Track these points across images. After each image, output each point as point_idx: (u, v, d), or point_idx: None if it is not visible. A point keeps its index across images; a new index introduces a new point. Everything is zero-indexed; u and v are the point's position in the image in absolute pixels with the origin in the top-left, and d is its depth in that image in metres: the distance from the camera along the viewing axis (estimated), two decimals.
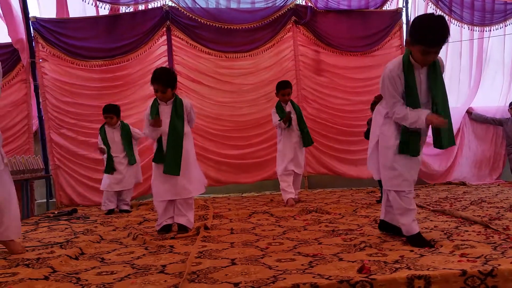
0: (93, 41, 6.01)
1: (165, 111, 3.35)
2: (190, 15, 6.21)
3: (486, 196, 4.85)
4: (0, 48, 5.85)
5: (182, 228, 3.40)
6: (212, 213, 4.24)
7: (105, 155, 4.93)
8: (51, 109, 5.91)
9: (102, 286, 2.02)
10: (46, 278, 2.21)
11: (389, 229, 2.90)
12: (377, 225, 3.05)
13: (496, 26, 6.99)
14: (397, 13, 6.75)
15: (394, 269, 2.05)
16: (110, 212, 4.87)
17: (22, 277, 2.21)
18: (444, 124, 2.52)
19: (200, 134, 6.17)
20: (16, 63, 5.89)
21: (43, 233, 3.70)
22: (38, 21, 5.89)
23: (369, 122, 4.88)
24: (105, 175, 4.92)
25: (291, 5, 6.46)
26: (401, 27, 6.74)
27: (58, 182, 5.92)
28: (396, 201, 2.66)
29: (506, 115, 6.83)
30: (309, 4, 6.55)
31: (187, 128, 3.44)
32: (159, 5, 6.18)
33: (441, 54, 2.59)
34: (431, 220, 3.39)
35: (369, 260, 2.24)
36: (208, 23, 6.25)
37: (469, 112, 6.96)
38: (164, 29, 6.20)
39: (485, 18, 6.95)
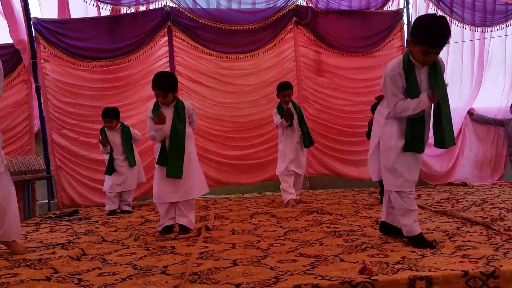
0: (94, 42, 6.01)
1: (167, 114, 3.35)
2: (191, 16, 6.22)
3: (487, 197, 4.85)
4: (2, 48, 5.86)
5: (184, 229, 3.41)
6: (214, 214, 4.24)
7: (106, 156, 4.95)
8: (52, 110, 5.92)
9: (103, 287, 2.03)
10: (48, 278, 2.21)
11: (390, 231, 2.89)
12: (378, 225, 3.05)
13: (498, 26, 6.99)
14: (398, 13, 6.75)
15: (396, 270, 2.05)
16: (112, 213, 4.88)
17: (24, 278, 2.21)
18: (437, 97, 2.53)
19: (201, 135, 6.17)
20: (17, 63, 5.90)
21: (45, 234, 3.70)
22: (40, 21, 5.89)
23: (370, 123, 4.89)
24: (107, 176, 4.94)
25: (292, 6, 6.47)
26: (402, 27, 6.74)
27: (60, 183, 5.93)
28: (397, 202, 2.66)
29: (508, 115, 6.82)
30: (310, 5, 6.55)
31: (188, 130, 3.45)
32: (160, 6, 6.19)
33: (442, 55, 2.60)
34: (433, 221, 3.39)
35: (371, 261, 2.24)
36: (209, 24, 6.26)
37: (470, 113, 6.96)
38: (165, 30, 6.21)
39: (486, 19, 6.95)
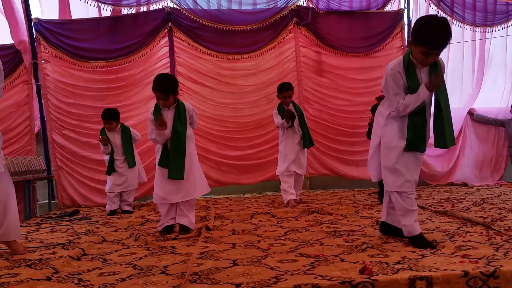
0: (95, 43, 6.02)
1: (168, 117, 3.35)
2: (192, 17, 6.22)
3: (488, 197, 4.85)
4: (3, 49, 5.87)
5: (184, 229, 3.41)
6: (214, 214, 4.24)
7: (106, 157, 4.96)
8: (53, 110, 5.92)
9: (104, 286, 2.03)
10: (48, 278, 2.21)
11: (390, 232, 2.90)
12: (379, 226, 3.05)
13: (498, 27, 6.98)
14: (398, 14, 6.75)
15: (396, 270, 2.05)
16: (112, 213, 4.89)
17: (24, 278, 2.21)
18: (440, 77, 2.52)
19: (202, 135, 6.18)
20: (18, 64, 5.91)
21: (45, 234, 3.71)
22: (40, 22, 5.90)
23: (370, 123, 4.89)
24: (108, 177, 4.95)
25: (292, 6, 6.47)
26: (402, 28, 6.74)
27: (60, 183, 5.93)
28: (398, 202, 2.66)
29: (508, 116, 6.82)
30: (311, 5, 6.55)
31: (189, 131, 3.45)
32: (161, 7, 6.20)
33: (443, 55, 2.60)
34: (433, 221, 3.39)
35: (371, 261, 2.24)
36: (209, 25, 6.26)
37: (471, 113, 6.96)
38: (166, 30, 6.22)
39: (487, 19, 6.95)
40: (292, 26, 6.52)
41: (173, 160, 3.31)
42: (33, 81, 5.96)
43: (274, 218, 4.04)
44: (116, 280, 2.14)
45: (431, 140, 2.71)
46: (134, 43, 6.08)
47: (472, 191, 5.70)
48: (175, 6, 6.22)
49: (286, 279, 1.97)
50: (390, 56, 6.54)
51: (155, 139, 3.37)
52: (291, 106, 4.87)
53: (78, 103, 5.95)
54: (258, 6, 6.47)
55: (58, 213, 5.17)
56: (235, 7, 6.45)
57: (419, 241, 2.58)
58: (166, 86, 3.31)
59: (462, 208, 4.02)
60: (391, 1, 6.73)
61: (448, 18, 6.80)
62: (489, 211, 3.78)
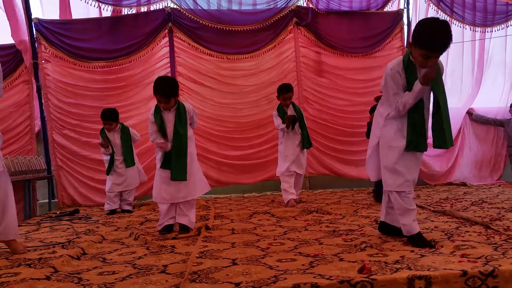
0: (95, 43, 6.03)
1: (169, 118, 3.37)
2: (192, 17, 6.23)
3: (487, 197, 4.85)
4: (3, 49, 5.88)
5: (184, 228, 3.42)
6: (213, 214, 4.25)
7: (106, 157, 4.96)
8: (53, 110, 5.93)
9: (103, 286, 2.03)
10: (48, 278, 2.22)
11: (389, 231, 2.90)
12: (378, 225, 3.05)
13: (498, 27, 6.99)
14: (398, 14, 6.76)
15: (395, 269, 2.05)
16: (112, 212, 4.89)
17: (24, 277, 2.22)
18: (433, 70, 2.52)
19: (202, 135, 6.19)
20: (18, 64, 5.92)
21: (45, 233, 3.71)
22: (41, 22, 5.91)
23: (369, 123, 4.90)
24: (108, 177, 4.96)
25: (292, 7, 6.48)
26: (402, 28, 6.75)
27: (60, 183, 5.94)
28: (397, 201, 2.67)
29: (507, 116, 6.83)
30: (310, 6, 6.56)
31: (190, 132, 3.46)
32: (161, 7, 6.21)
33: (443, 55, 2.60)
34: (432, 221, 3.40)
35: (370, 261, 2.24)
36: (209, 25, 6.27)
37: (469, 113, 6.96)
38: (166, 30, 6.22)
39: (487, 19, 6.95)
40: (292, 27, 6.53)
41: (175, 161, 3.32)
42: (34, 81, 5.97)
43: (273, 217, 4.05)
44: (115, 279, 2.15)
45: (430, 140, 2.72)
46: (135, 43, 6.09)
47: (471, 190, 5.70)
48: (175, 6, 6.23)
49: (285, 278, 1.97)
50: (390, 56, 6.55)
51: (155, 143, 3.40)
52: (290, 107, 4.87)
53: (78, 103, 5.96)
54: (258, 7, 6.48)
55: (58, 212, 5.18)
56: (235, 7, 6.46)
57: (418, 241, 2.58)
58: (167, 89, 3.32)
59: (461, 208, 4.03)
60: (391, 2, 6.74)
61: (448, 18, 6.81)
62: (488, 211, 3.78)
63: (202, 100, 6.30)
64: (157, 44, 6.20)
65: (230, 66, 6.40)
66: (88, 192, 5.93)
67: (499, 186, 6.30)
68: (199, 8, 6.28)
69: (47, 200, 6.00)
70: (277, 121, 4.84)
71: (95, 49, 6.02)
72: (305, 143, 4.87)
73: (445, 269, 2.01)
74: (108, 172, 4.92)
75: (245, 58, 6.44)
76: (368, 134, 4.78)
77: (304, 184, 5.90)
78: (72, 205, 5.88)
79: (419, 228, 2.67)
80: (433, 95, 2.63)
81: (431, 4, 6.83)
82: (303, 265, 2.24)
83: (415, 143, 2.62)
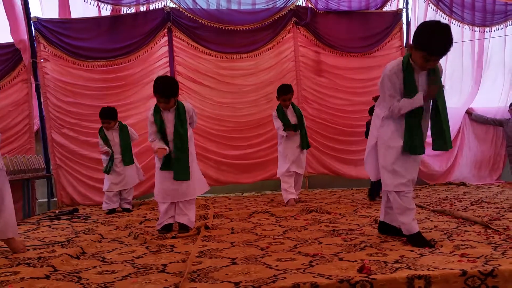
0: (94, 42, 6.02)
1: (168, 118, 3.36)
2: (191, 16, 6.22)
3: (486, 197, 4.86)
4: (2, 48, 5.87)
5: (183, 228, 3.42)
6: (213, 213, 4.25)
7: (104, 157, 4.95)
8: (52, 109, 5.92)
9: (103, 285, 2.03)
10: (47, 277, 2.21)
11: (389, 231, 2.91)
12: (377, 225, 3.06)
13: (497, 26, 6.99)
14: (397, 14, 6.76)
15: (394, 269, 2.05)
16: (111, 211, 4.89)
17: (23, 276, 2.22)
18: (438, 87, 2.54)
19: (201, 135, 6.18)
20: (17, 63, 5.90)
21: (44, 232, 3.71)
22: (40, 21, 5.90)
23: (368, 123, 4.91)
24: (106, 177, 4.95)
25: (291, 6, 6.47)
26: (401, 28, 6.75)
27: (59, 182, 5.93)
28: (396, 201, 2.67)
29: (507, 115, 6.83)
30: (310, 5, 6.56)
31: (189, 132, 3.46)
32: (160, 6, 6.20)
33: None
34: (431, 220, 3.40)
35: (369, 260, 2.25)
36: (208, 24, 6.27)
37: (469, 113, 6.97)
38: (165, 30, 6.22)
39: (486, 19, 6.95)
40: (291, 26, 6.53)
41: (177, 162, 3.32)
42: (33, 79, 5.96)
43: (273, 217, 4.05)
44: (115, 278, 2.15)
45: (429, 139, 2.72)
46: (134, 42, 6.08)
47: (470, 190, 5.71)
48: (174, 5, 6.22)
49: (285, 278, 1.97)
50: (389, 56, 6.56)
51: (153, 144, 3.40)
52: (290, 108, 4.87)
53: (77, 102, 5.95)
54: (257, 6, 6.48)
55: (57, 211, 5.18)
56: (234, 7, 6.45)
57: (418, 240, 2.59)
58: (167, 89, 3.31)
59: (460, 208, 4.03)
60: (390, 1, 6.74)
61: (447, 18, 6.82)
62: (487, 211, 3.79)
63: (201, 100, 6.30)
64: (156, 44, 6.19)
65: (229, 65, 6.40)
66: (87, 191, 5.92)
67: (499, 185, 6.31)
68: (198, 7, 6.28)
69: (46, 199, 5.99)
70: (277, 124, 4.84)
71: (94, 48, 6.01)
72: (304, 143, 4.87)
73: (444, 268, 2.01)
74: (108, 171, 4.90)
75: (244, 57, 6.43)
76: (366, 134, 4.78)
77: (303, 184, 5.90)
78: (71, 204, 5.87)
79: (419, 228, 2.67)
80: (432, 98, 2.63)
81: (430, 4, 6.83)
82: (302, 264, 2.24)
83: (411, 146, 2.62)
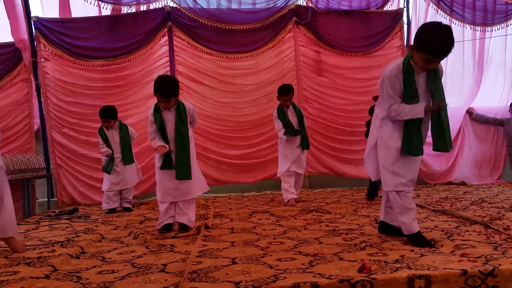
0: (95, 41, 6.02)
1: (169, 117, 3.36)
2: (192, 16, 6.22)
3: (486, 196, 4.85)
4: (3, 47, 5.87)
5: (183, 227, 3.41)
6: (213, 213, 4.24)
7: (104, 157, 4.95)
8: (52, 109, 5.92)
9: (103, 284, 2.03)
10: (47, 276, 2.21)
11: (389, 231, 2.90)
12: (378, 224, 3.05)
13: (498, 26, 6.99)
14: (398, 13, 6.75)
15: (395, 268, 2.05)
16: (112, 211, 4.88)
17: (23, 276, 2.22)
18: (442, 105, 2.53)
19: (201, 134, 6.18)
20: (18, 62, 5.90)
21: (44, 232, 3.71)
22: (40, 20, 5.90)
23: (367, 124, 4.91)
24: (105, 176, 4.94)
25: (292, 6, 6.47)
26: (402, 27, 6.74)
27: (60, 181, 5.93)
28: (396, 200, 2.67)
29: (507, 115, 6.82)
30: (310, 5, 6.55)
31: (190, 131, 3.46)
32: (160, 6, 6.20)
33: None
34: (432, 220, 3.39)
35: (370, 260, 2.24)
36: (209, 24, 6.26)
37: (469, 112, 6.96)
38: (166, 29, 6.21)
39: (487, 18, 6.95)
40: (291, 26, 6.52)
41: (178, 161, 3.32)
42: (33, 79, 5.96)
43: (273, 216, 4.05)
44: (115, 278, 2.15)
45: (429, 139, 2.72)
46: (134, 42, 6.08)
47: (471, 190, 5.70)
48: (175, 5, 6.21)
49: (285, 278, 1.97)
50: (389, 56, 6.56)
51: (153, 144, 3.39)
52: (291, 108, 4.86)
53: (77, 102, 5.95)
54: (257, 6, 6.47)
55: (57, 211, 5.18)
56: (234, 6, 6.45)
57: (418, 240, 2.58)
58: (167, 88, 3.31)
59: (460, 207, 4.03)
60: (391, 1, 6.73)
61: (448, 17, 6.81)
62: (488, 210, 3.78)
63: (202, 99, 6.29)
64: (157, 43, 6.19)
65: (229, 65, 6.39)
66: (87, 190, 5.92)
67: (499, 185, 6.31)
68: (199, 7, 6.27)
69: (46, 199, 5.99)
70: (278, 125, 4.84)
71: (94, 47, 6.01)
72: (304, 144, 4.87)
73: (445, 268, 2.01)
74: (109, 170, 4.88)
75: (245, 57, 6.43)
76: (366, 134, 4.78)
77: (303, 183, 5.89)
78: (71, 203, 5.87)
79: (419, 227, 2.67)
80: (433, 99, 2.63)
81: (431, 4, 6.82)
82: (302, 264, 2.23)
83: (409, 148, 2.62)
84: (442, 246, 2.50)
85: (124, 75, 6.10)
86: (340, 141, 6.56)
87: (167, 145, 3.31)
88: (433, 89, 2.60)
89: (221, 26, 6.29)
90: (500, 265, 1.99)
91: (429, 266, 2.06)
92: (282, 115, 4.80)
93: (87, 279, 2.15)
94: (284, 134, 4.74)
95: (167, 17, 6.19)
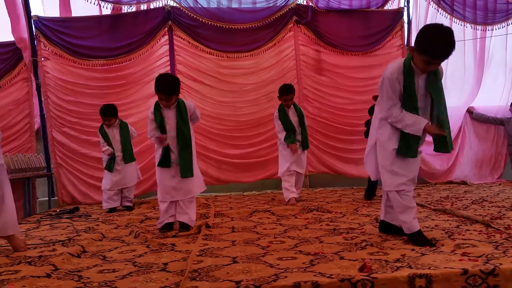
0: (95, 41, 6.02)
1: (169, 115, 3.36)
2: (192, 15, 6.22)
3: (487, 195, 4.85)
4: (3, 46, 5.87)
5: (184, 226, 3.42)
6: (214, 212, 4.25)
7: (105, 156, 4.95)
8: (53, 108, 5.92)
9: (104, 284, 2.03)
10: (48, 275, 2.21)
11: (389, 231, 2.91)
12: (378, 224, 3.06)
13: (498, 25, 6.98)
14: (398, 12, 6.75)
15: (396, 267, 2.05)
16: (112, 210, 4.89)
17: (24, 275, 2.22)
18: (442, 133, 2.53)
19: (201, 134, 6.18)
20: (18, 61, 5.90)
21: (45, 231, 3.71)
22: (40, 20, 5.90)
23: (366, 124, 4.91)
24: (105, 175, 4.94)
25: (292, 5, 6.46)
26: (402, 26, 6.74)
27: (60, 181, 5.93)
28: (396, 200, 2.67)
29: (508, 114, 6.82)
30: (310, 4, 6.54)
31: (191, 130, 3.46)
32: (161, 5, 6.20)
33: None
34: (432, 219, 3.39)
35: (370, 259, 2.24)
36: (209, 23, 6.26)
37: (470, 112, 6.96)
38: (166, 29, 6.21)
39: (488, 18, 6.94)
40: (291, 25, 6.51)
41: (181, 159, 3.33)
42: (33, 78, 5.96)
43: (273, 216, 4.05)
44: (116, 277, 2.15)
45: (429, 138, 2.72)
46: (134, 41, 6.08)
47: (472, 189, 5.70)
48: (175, 4, 6.21)
49: (286, 277, 1.97)
50: (390, 55, 6.56)
51: (154, 141, 3.39)
52: (292, 108, 4.85)
53: (78, 101, 5.95)
54: (258, 5, 6.47)
55: (58, 210, 5.18)
56: (235, 5, 6.44)
57: (418, 239, 2.59)
58: (169, 86, 3.31)
59: (461, 206, 4.03)
60: (391, 0, 6.72)
61: (448, 16, 6.80)
62: (489, 209, 3.78)
63: (202, 99, 6.29)
64: (157, 42, 6.19)
65: (230, 64, 6.39)
66: (88, 190, 5.92)
67: (500, 184, 6.31)
68: (199, 6, 6.27)
69: (46, 198, 6.00)
70: (278, 127, 4.84)
71: (95, 47, 6.01)
72: (304, 144, 4.87)
73: (445, 267, 2.01)
74: (111, 169, 4.88)
75: (245, 56, 6.42)
76: (366, 134, 4.78)
77: (304, 183, 5.90)
78: (72, 203, 5.87)
79: (420, 227, 2.67)
80: (431, 101, 2.62)
81: (432, 3, 6.82)
82: (303, 263, 2.24)
83: (405, 151, 2.62)
84: (443, 245, 2.50)
85: (125, 74, 6.10)
86: (340, 140, 6.56)
87: (166, 135, 3.29)
88: (432, 92, 2.60)
89: (221, 25, 6.29)
90: (501, 264, 1.99)
91: (430, 265, 2.06)
92: (283, 115, 4.80)
93: (88, 278, 2.15)
94: (284, 141, 4.75)
95: (168, 16, 6.19)
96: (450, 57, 2.57)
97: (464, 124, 6.91)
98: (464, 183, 6.49)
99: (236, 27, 6.33)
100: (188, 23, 6.25)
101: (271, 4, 6.43)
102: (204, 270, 2.17)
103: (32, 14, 5.91)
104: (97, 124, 5.25)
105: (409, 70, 2.57)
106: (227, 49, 6.37)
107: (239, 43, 6.39)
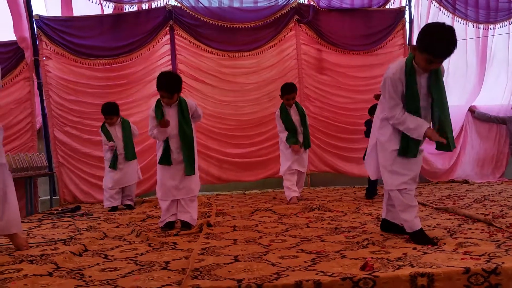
0: (97, 40, 6.02)
1: (170, 113, 3.36)
2: (193, 14, 6.22)
3: (489, 194, 4.84)
4: (5, 46, 5.87)
5: (185, 225, 3.42)
6: (215, 210, 4.24)
7: (107, 155, 4.95)
8: (54, 107, 5.93)
9: (105, 282, 2.03)
10: (50, 274, 2.22)
11: (391, 229, 2.91)
12: (380, 222, 3.05)
13: (500, 24, 6.97)
14: (400, 11, 6.74)
15: (397, 266, 2.05)
16: (114, 209, 4.89)
17: (26, 273, 2.22)
18: (442, 141, 2.53)
19: (203, 133, 6.18)
20: (20, 61, 5.91)
21: (47, 230, 3.71)
22: (42, 19, 5.90)
23: (366, 123, 4.90)
24: (107, 174, 4.94)
25: (293, 4, 6.46)
26: (404, 25, 6.73)
27: (62, 180, 5.94)
28: (397, 198, 2.67)
29: (510, 113, 6.81)
30: (312, 3, 6.54)
31: (193, 128, 3.46)
32: (162, 4, 6.20)
33: None
34: (434, 218, 3.39)
35: (372, 258, 2.24)
36: (210, 22, 6.26)
37: (472, 111, 6.95)
38: (168, 28, 6.21)
39: (490, 16, 6.93)
40: (293, 24, 6.51)
41: (185, 157, 3.33)
42: (35, 77, 5.97)
43: (275, 214, 4.05)
44: (117, 275, 2.15)
45: None
46: (136, 40, 6.08)
47: (473, 188, 5.70)
48: (176, 4, 6.21)
49: (288, 275, 1.97)
50: (391, 54, 6.55)
51: (156, 136, 3.38)
52: (293, 107, 4.85)
53: (79, 100, 5.96)
54: (259, 4, 6.46)
55: (59, 209, 5.19)
56: (236, 4, 6.44)
57: (420, 237, 2.58)
58: (171, 84, 3.31)
59: (463, 205, 4.03)
60: None
61: (450, 15, 6.79)
62: (490, 208, 3.78)
63: (203, 98, 6.29)
64: (159, 42, 6.19)
65: (231, 63, 6.39)
66: (90, 189, 5.93)
67: (502, 183, 6.30)
68: (200, 5, 6.27)
69: (48, 197, 6.01)
70: (280, 126, 4.83)
71: (96, 46, 6.01)
72: (306, 143, 4.86)
73: (447, 266, 2.01)
74: (115, 166, 4.88)
75: (246, 55, 6.42)
76: (366, 134, 4.78)
77: (305, 182, 5.89)
78: (73, 202, 5.88)
79: (421, 225, 2.67)
80: (433, 101, 2.61)
81: (433, 1, 6.81)
82: (305, 262, 2.24)
83: (406, 151, 2.62)
84: (444, 244, 2.50)
85: (126, 73, 6.11)
86: (341, 139, 6.56)
87: (167, 120, 3.28)
88: (434, 91, 2.59)
89: (222, 24, 6.29)
90: (503, 263, 1.99)
91: (432, 264, 2.05)
92: (284, 114, 4.79)
93: (90, 276, 2.15)
94: (287, 141, 4.75)
95: (169, 15, 6.19)
96: (452, 56, 2.56)
97: (466, 123, 6.91)
98: (466, 182, 6.49)
99: (237, 26, 6.33)
100: (189, 22, 6.25)
101: (272, 3, 6.43)
102: (205, 269, 2.17)
103: (34, 13, 5.92)
104: (98, 123, 5.25)
105: (411, 69, 2.56)
106: (229, 48, 6.37)
107: (240, 43, 6.39)
